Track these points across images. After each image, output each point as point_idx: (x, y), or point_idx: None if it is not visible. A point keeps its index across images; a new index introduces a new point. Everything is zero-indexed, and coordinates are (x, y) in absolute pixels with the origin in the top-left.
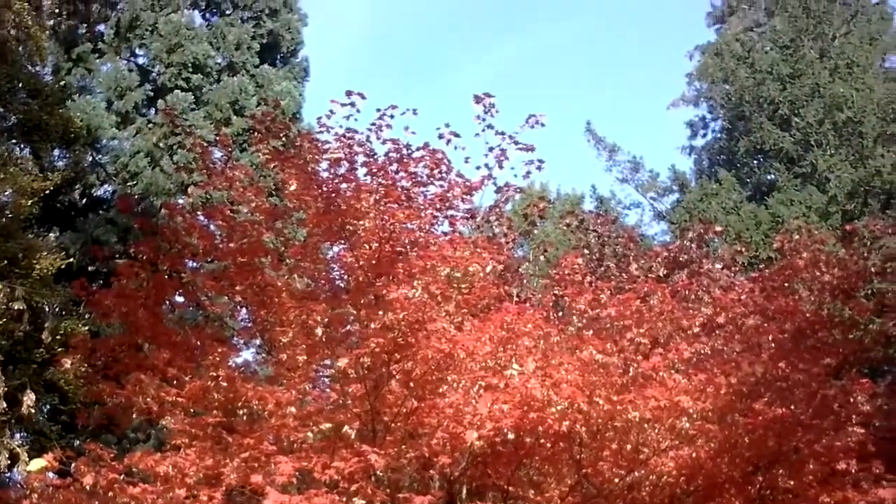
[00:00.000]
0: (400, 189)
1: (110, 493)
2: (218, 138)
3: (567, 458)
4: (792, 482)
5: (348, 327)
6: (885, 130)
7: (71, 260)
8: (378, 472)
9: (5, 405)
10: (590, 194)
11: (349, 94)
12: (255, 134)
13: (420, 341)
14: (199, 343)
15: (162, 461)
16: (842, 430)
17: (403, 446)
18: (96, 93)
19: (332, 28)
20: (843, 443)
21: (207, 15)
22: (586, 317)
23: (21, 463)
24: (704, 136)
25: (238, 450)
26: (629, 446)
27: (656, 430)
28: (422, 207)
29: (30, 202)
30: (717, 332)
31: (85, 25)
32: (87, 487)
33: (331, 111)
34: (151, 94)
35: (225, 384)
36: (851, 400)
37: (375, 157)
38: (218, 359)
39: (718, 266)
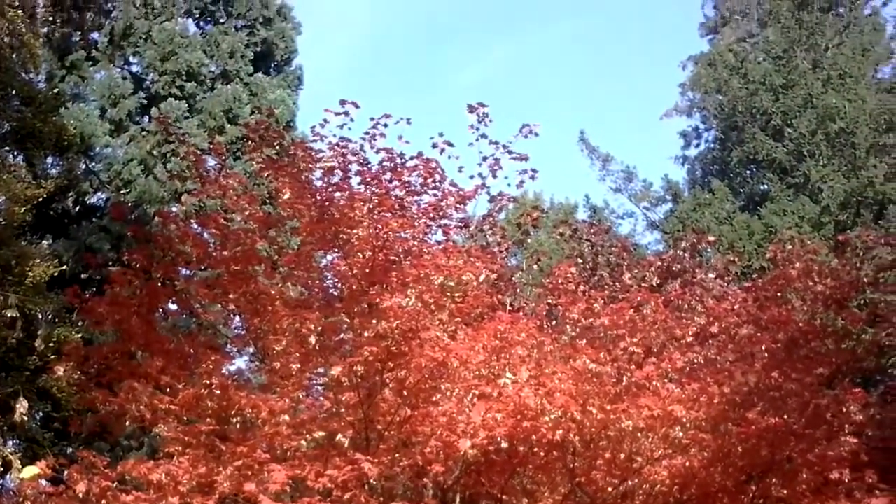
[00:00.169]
0: (394, 198)
1: (103, 501)
2: (211, 146)
3: (561, 466)
4: (785, 492)
5: (342, 336)
6: (878, 141)
7: (64, 267)
8: (371, 481)
9: None
10: (583, 204)
11: (343, 102)
12: (249, 142)
13: (413, 350)
14: (192, 351)
15: (155, 469)
16: (835, 439)
17: (397, 455)
18: (90, 100)
19: (325, 37)
20: (836, 452)
21: (201, 23)
22: (580, 326)
23: (14, 470)
24: (697, 146)
25: (231, 458)
26: (622, 455)
27: (650, 440)
28: (415, 216)
29: (23, 209)
30: (710, 341)
31: (79, 33)
32: (80, 495)
33: (325, 120)
34: (145, 101)
35: (218, 392)
36: (844, 409)
37: (369, 165)
38: (211, 367)
39: (711, 276)
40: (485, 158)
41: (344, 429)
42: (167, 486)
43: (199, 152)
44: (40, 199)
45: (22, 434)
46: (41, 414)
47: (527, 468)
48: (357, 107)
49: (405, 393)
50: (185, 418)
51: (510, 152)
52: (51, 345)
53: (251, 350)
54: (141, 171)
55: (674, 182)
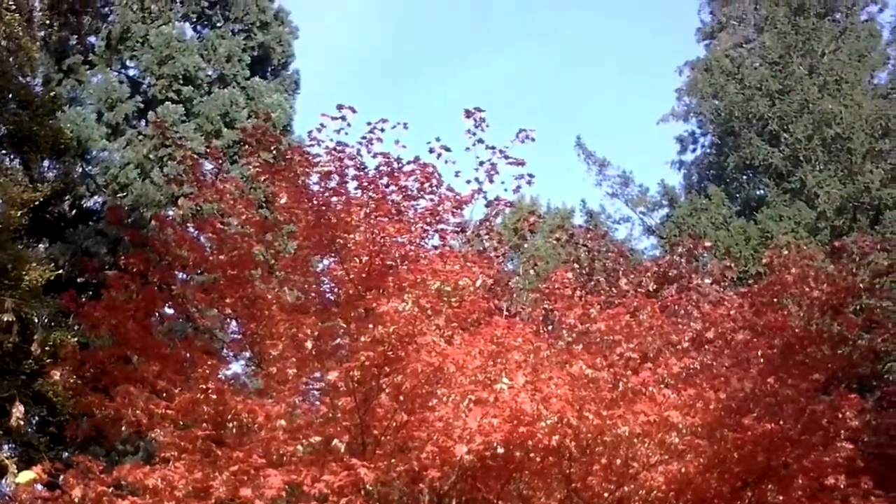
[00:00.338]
0: (390, 203)
1: None
2: (208, 150)
3: (557, 472)
4: (781, 497)
5: (338, 340)
6: (874, 146)
7: (60, 271)
8: (367, 486)
9: None
10: (580, 208)
11: (340, 107)
12: (246, 146)
13: (410, 355)
14: (188, 355)
15: (151, 474)
16: (830, 445)
17: (393, 460)
18: (87, 104)
19: (322, 41)
20: (832, 458)
21: (198, 27)
22: (576, 331)
23: (10, 475)
24: (694, 151)
25: (227, 463)
26: (619, 461)
27: (646, 445)
28: (412, 221)
29: (19, 213)
30: (706, 347)
31: (76, 37)
32: (76, 500)
33: (321, 125)
34: (142, 105)
35: (214, 397)
36: (840, 415)
37: (366, 170)
38: (207, 371)
39: (708, 281)
40: (481, 163)
41: (340, 434)
42: (163, 491)
43: (195, 156)
44: (37, 203)
45: (18, 438)
46: (37, 418)
47: (523, 474)
48: (354, 112)
49: (401, 398)
50: (181, 423)
51: (507, 157)
52: (47, 349)
53: (247, 354)
54: (137, 174)
55: (670, 187)
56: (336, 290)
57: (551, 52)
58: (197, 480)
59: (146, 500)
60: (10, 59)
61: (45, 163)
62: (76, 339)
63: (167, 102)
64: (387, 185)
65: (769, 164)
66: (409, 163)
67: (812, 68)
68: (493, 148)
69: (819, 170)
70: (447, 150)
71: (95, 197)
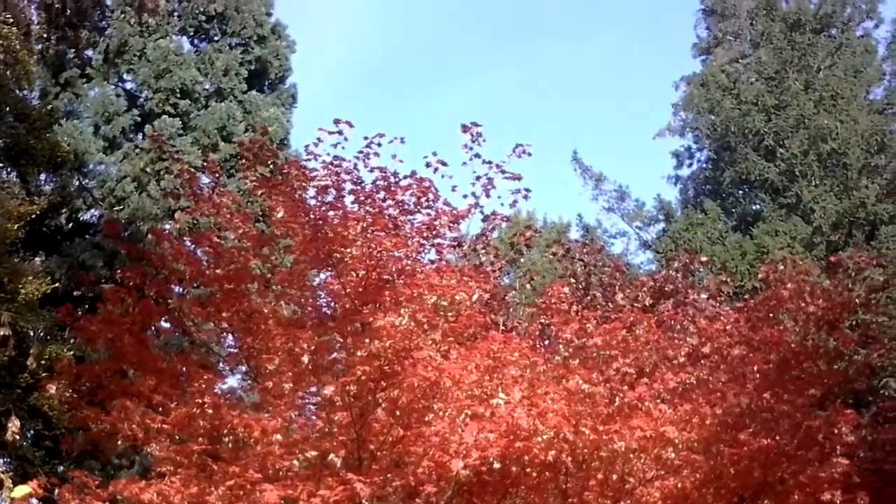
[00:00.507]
0: (387, 217)
1: None
2: (205, 164)
3: (553, 487)
4: None
5: (335, 355)
6: (869, 162)
7: (56, 285)
8: (364, 501)
9: None
10: (576, 223)
11: (337, 122)
12: (243, 160)
13: (406, 369)
14: (184, 370)
15: (147, 488)
16: (826, 460)
17: (389, 475)
18: (84, 117)
19: (320, 55)
20: (828, 474)
21: (196, 41)
22: (572, 346)
23: (5, 490)
24: (690, 165)
25: (223, 477)
26: (615, 476)
27: (642, 460)
28: (409, 235)
29: (16, 226)
30: (702, 361)
31: (73, 50)
32: None
33: (318, 139)
34: (139, 119)
35: (210, 411)
36: (836, 431)
37: (363, 184)
38: (204, 386)
39: (704, 296)
40: (478, 178)
41: (336, 448)
42: None
43: (192, 170)
44: (33, 216)
45: (13, 452)
46: (32, 432)
47: (519, 489)
48: (351, 126)
49: (398, 413)
50: (178, 437)
51: (503, 172)
52: (43, 362)
53: (244, 369)
54: (134, 188)
55: (666, 202)
56: (332, 304)
57: (548, 66)
58: (193, 495)
59: None
60: (8, 73)
61: (42, 176)
62: (72, 352)
63: (164, 116)
64: (383, 200)
65: (765, 180)
66: (405, 177)
67: (808, 84)
68: (490, 162)
69: (815, 185)
70: (444, 164)
71: (92, 210)
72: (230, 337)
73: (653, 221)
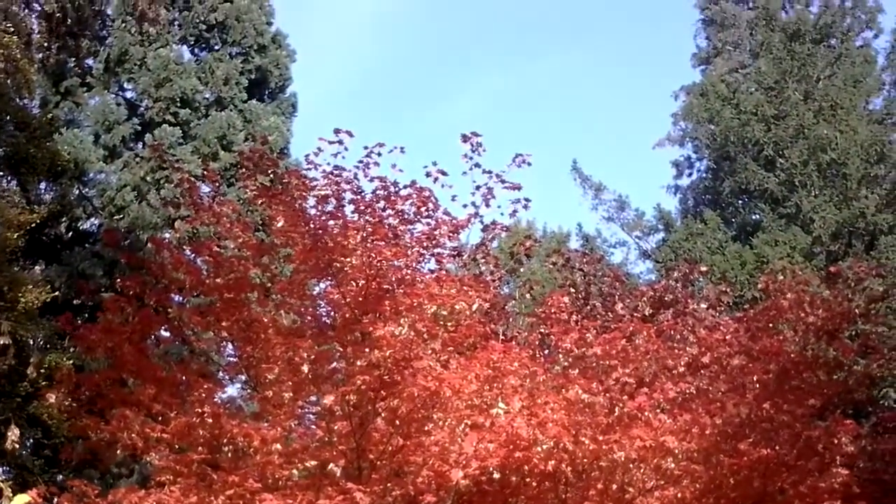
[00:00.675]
0: (387, 227)
1: None
2: (205, 173)
3: (553, 497)
4: None
5: (334, 364)
6: (869, 172)
7: (56, 293)
8: None
9: None
10: (576, 232)
11: (337, 131)
12: (243, 169)
13: (406, 379)
14: (184, 379)
15: (146, 498)
16: (826, 471)
17: (389, 484)
18: (84, 126)
19: (320, 64)
20: (828, 484)
21: (196, 50)
22: (572, 356)
23: (4, 499)
24: (690, 175)
25: (223, 487)
26: (615, 486)
27: (642, 471)
28: (409, 245)
29: (16, 235)
30: (702, 371)
31: (74, 59)
32: None
33: (318, 148)
34: (139, 128)
35: (210, 420)
36: (836, 441)
37: (363, 194)
38: (203, 395)
39: (703, 306)
40: (478, 187)
41: (336, 458)
42: None
43: (192, 179)
44: (33, 225)
45: (12, 461)
46: (32, 441)
47: (519, 499)
48: (351, 135)
49: (397, 422)
50: (177, 447)
51: (503, 181)
52: (42, 371)
53: (243, 378)
54: (134, 197)
55: (666, 211)
56: (332, 313)
57: (547, 76)
58: None
59: None
60: (8, 82)
61: (42, 185)
62: (72, 361)
63: (164, 125)
64: (383, 209)
65: (765, 189)
66: (405, 187)
67: (807, 94)
68: (490, 172)
69: (814, 195)
70: (444, 174)
71: (92, 219)
72: (230, 346)
73: (652, 231)
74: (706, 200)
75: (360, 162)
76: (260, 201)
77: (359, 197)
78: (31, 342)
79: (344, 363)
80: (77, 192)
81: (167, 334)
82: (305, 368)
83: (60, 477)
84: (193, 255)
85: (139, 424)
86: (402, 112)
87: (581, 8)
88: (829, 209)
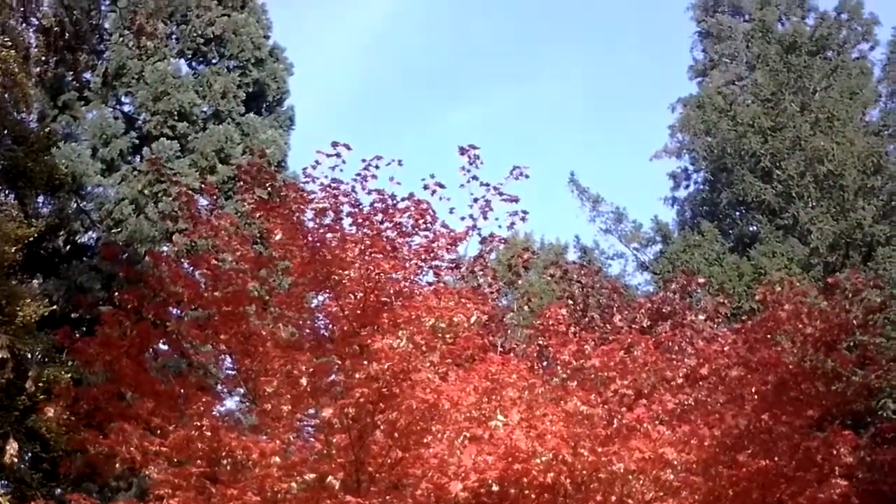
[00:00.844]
0: (385, 239)
1: None
2: (203, 186)
3: None
4: None
5: (333, 377)
6: (866, 183)
7: (54, 307)
8: None
9: None
10: (573, 244)
11: (335, 144)
12: (241, 183)
13: (405, 391)
14: (182, 392)
15: None
16: (825, 482)
17: (388, 497)
18: (82, 140)
19: (317, 78)
20: (827, 495)
21: (194, 64)
22: (570, 367)
23: None
24: (687, 187)
25: (221, 500)
26: (613, 498)
27: (641, 482)
28: (407, 258)
29: (14, 249)
30: (700, 383)
31: (72, 73)
32: None
33: (316, 161)
34: (137, 141)
35: (209, 434)
36: (834, 452)
37: (361, 207)
38: (202, 408)
39: (701, 317)
40: (476, 200)
41: (335, 471)
42: None
43: (190, 192)
44: (31, 239)
45: (11, 475)
46: (30, 454)
47: None
48: (349, 149)
49: (396, 435)
50: (176, 460)
51: (501, 194)
52: (41, 385)
53: (242, 391)
54: (132, 210)
55: (663, 223)
56: (331, 326)
57: (545, 88)
58: None
59: None
60: (6, 96)
61: (40, 198)
62: (70, 375)
63: (162, 138)
64: (381, 222)
65: (762, 201)
66: (403, 199)
67: (804, 105)
68: (488, 185)
69: (811, 206)
70: (441, 186)
71: (90, 233)
72: (228, 359)
73: (650, 243)
74: (703, 212)
75: (358, 175)
76: (258, 214)
77: (357, 210)
78: (30, 356)
79: (342, 376)
80: (75, 205)
81: (165, 347)
82: (304, 381)
83: (59, 491)
84: (192, 268)
85: (138, 438)
86: (400, 125)
87: (579, 21)
88: (826, 220)
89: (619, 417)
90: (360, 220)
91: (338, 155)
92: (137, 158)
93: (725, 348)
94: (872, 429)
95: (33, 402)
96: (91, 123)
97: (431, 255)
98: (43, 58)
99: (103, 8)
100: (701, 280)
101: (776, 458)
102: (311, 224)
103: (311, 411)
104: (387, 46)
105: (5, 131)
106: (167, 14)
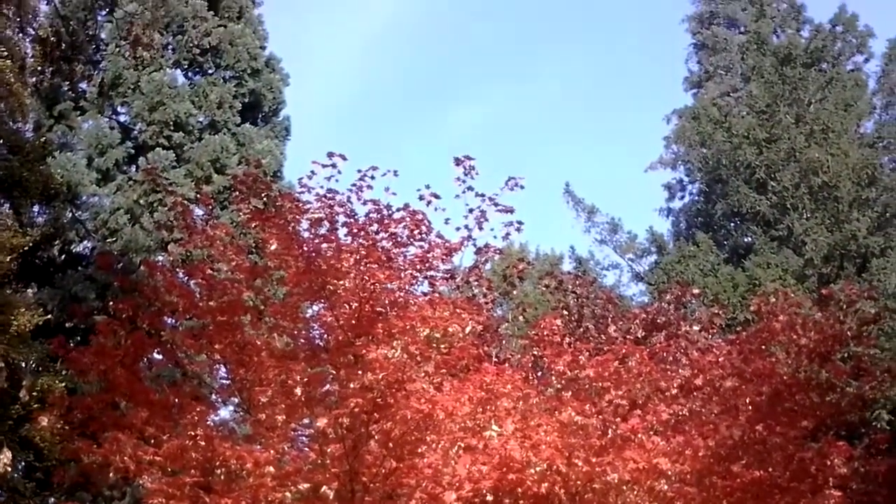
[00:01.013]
0: (380, 250)
1: None
2: (199, 196)
3: None
4: None
5: (327, 387)
6: (860, 195)
7: (49, 316)
8: None
9: None
10: (568, 255)
11: (330, 155)
12: (236, 193)
13: (399, 401)
14: (177, 401)
15: None
16: (819, 493)
17: None
18: (77, 150)
19: (313, 88)
20: None
21: (190, 74)
22: (565, 378)
23: None
24: (682, 198)
25: None
26: None
27: (635, 492)
28: (402, 268)
29: (9, 258)
30: (694, 393)
31: (68, 83)
32: None
33: (312, 172)
34: (132, 151)
35: (203, 443)
36: (828, 463)
37: (356, 217)
38: (196, 418)
39: (696, 328)
40: (471, 211)
41: (329, 480)
42: None
43: (186, 202)
44: (26, 248)
45: (4, 484)
46: (24, 464)
47: None
48: (344, 159)
49: (391, 445)
50: (169, 469)
51: (496, 204)
52: (35, 394)
53: (236, 401)
54: (127, 220)
55: (658, 234)
56: (325, 336)
57: (541, 99)
58: None
59: None
60: (2, 105)
61: (35, 208)
62: (64, 384)
63: (158, 148)
64: (377, 232)
65: (756, 212)
66: (398, 210)
67: (799, 117)
68: (483, 195)
69: (806, 218)
70: (437, 197)
71: (85, 242)
72: (223, 369)
73: (645, 253)
74: (698, 223)
75: (354, 185)
76: (253, 224)
77: (352, 220)
78: (24, 365)
79: (337, 386)
80: (70, 215)
81: (160, 357)
82: (298, 391)
83: (52, 500)
84: (187, 277)
85: (132, 447)
86: (396, 135)
87: (573, 32)
88: (820, 232)
89: (613, 428)
90: (355, 231)
91: (333, 165)
92: (133, 168)
93: (720, 359)
94: (866, 440)
95: (27, 412)
96: (87, 133)
97: (426, 265)
98: (39, 68)
99: (100, 18)
100: (696, 291)
101: (770, 469)
102: (306, 234)
103: (306, 421)
104: (381, 57)
105: (1, 141)
106: (163, 25)
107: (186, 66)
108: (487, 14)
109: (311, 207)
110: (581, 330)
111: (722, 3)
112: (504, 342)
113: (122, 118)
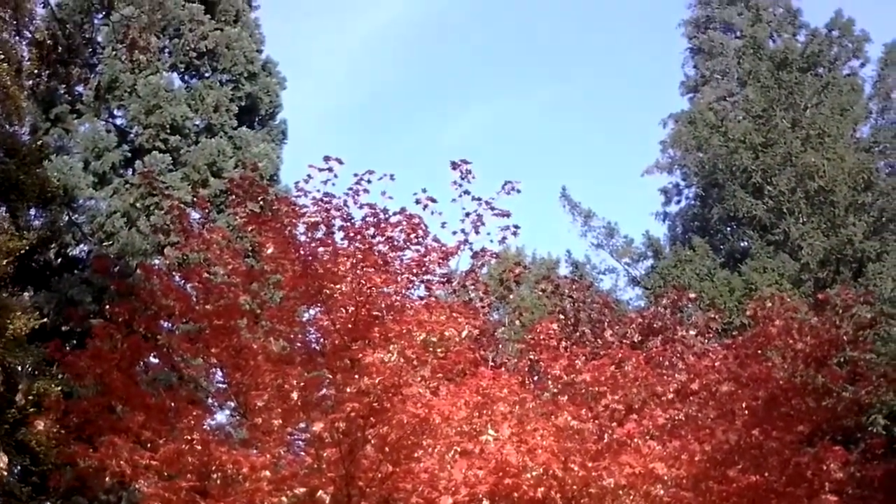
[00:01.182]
0: (377, 253)
1: None
2: (195, 200)
3: None
4: None
5: (324, 391)
6: (857, 199)
7: (45, 320)
8: None
9: None
10: (565, 259)
11: (327, 158)
12: (233, 196)
13: (395, 406)
14: (173, 405)
15: None
16: (815, 497)
17: None
18: (74, 153)
19: (310, 92)
20: None
21: (186, 77)
22: (561, 382)
23: None
24: (678, 202)
25: None
26: None
27: (631, 497)
28: (398, 272)
29: (5, 261)
30: (691, 398)
31: (64, 86)
32: None
33: (309, 175)
34: (129, 154)
35: (199, 447)
36: (824, 468)
37: (353, 221)
38: (192, 422)
39: (692, 332)
40: (467, 214)
41: (325, 485)
42: None
43: (182, 206)
44: (22, 251)
45: (0, 488)
46: (20, 468)
47: None
48: (341, 163)
49: (387, 449)
50: (166, 474)
51: (493, 208)
52: (31, 398)
53: (232, 405)
54: (124, 223)
55: (655, 238)
56: (322, 340)
57: (537, 103)
58: None
59: None
60: None
61: (32, 211)
62: (60, 388)
63: (154, 152)
64: (373, 236)
65: (753, 217)
66: (395, 214)
67: (795, 122)
68: (480, 199)
69: (802, 222)
70: (433, 201)
71: (81, 245)
72: (219, 373)
73: (641, 258)
74: (695, 227)
75: (350, 189)
76: (250, 228)
77: (348, 224)
78: (20, 369)
79: (333, 390)
80: (66, 218)
81: (156, 361)
82: (295, 395)
83: None
84: (183, 281)
85: (128, 451)
86: (392, 139)
87: (570, 37)
88: (816, 236)
89: (609, 432)
90: (351, 234)
91: (330, 169)
92: (129, 171)
93: (716, 363)
94: (862, 445)
95: (23, 415)
96: (83, 136)
97: (423, 269)
98: (35, 71)
99: (96, 22)
100: (692, 295)
101: (766, 474)
102: (302, 238)
103: (302, 425)
104: (379, 62)
105: None
106: (160, 28)
107: (183, 70)
108: (484, 19)
109: (308, 211)
110: (577, 334)
111: (718, 7)
112: (500, 346)
113: (118, 121)
